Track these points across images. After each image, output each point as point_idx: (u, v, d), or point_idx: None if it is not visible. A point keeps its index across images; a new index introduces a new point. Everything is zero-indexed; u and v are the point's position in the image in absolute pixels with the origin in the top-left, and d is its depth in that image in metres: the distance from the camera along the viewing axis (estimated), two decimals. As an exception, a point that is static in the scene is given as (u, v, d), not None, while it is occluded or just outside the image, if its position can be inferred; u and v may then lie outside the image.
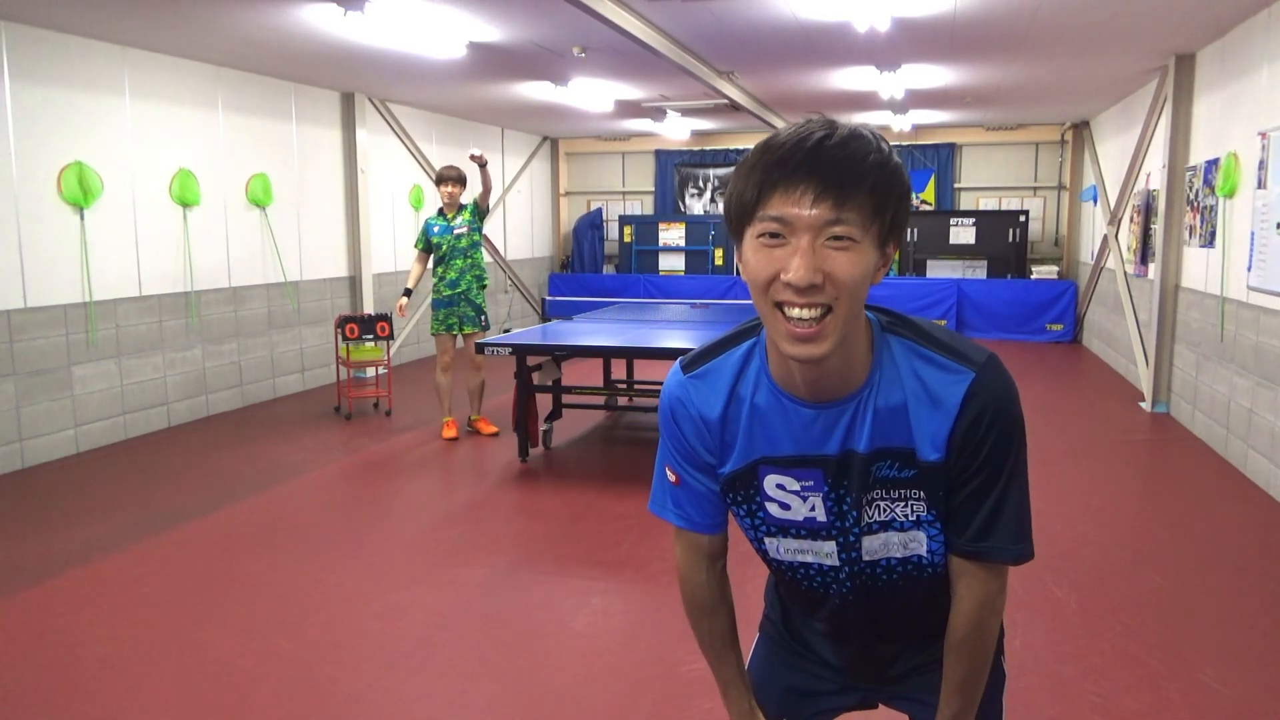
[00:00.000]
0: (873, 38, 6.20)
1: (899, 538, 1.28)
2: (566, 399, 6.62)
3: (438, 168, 10.08)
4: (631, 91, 8.77)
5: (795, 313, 1.10)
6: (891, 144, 1.14)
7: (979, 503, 1.23)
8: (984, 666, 1.33)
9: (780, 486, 1.28)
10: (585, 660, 3.29)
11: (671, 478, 1.38)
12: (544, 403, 6.30)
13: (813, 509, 1.28)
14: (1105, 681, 3.07)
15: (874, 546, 1.29)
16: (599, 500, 5.07)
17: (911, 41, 6.43)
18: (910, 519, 1.26)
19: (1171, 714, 2.89)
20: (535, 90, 8.53)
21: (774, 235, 1.09)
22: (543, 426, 6.14)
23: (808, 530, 1.31)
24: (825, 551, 1.31)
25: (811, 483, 1.26)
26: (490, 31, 6.10)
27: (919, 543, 1.28)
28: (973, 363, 1.19)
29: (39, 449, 5.88)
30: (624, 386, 7.42)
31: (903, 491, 1.24)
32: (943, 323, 11.10)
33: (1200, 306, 6.41)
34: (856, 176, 1.07)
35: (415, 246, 6.66)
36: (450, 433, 6.50)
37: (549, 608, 3.71)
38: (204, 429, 6.85)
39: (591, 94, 8.67)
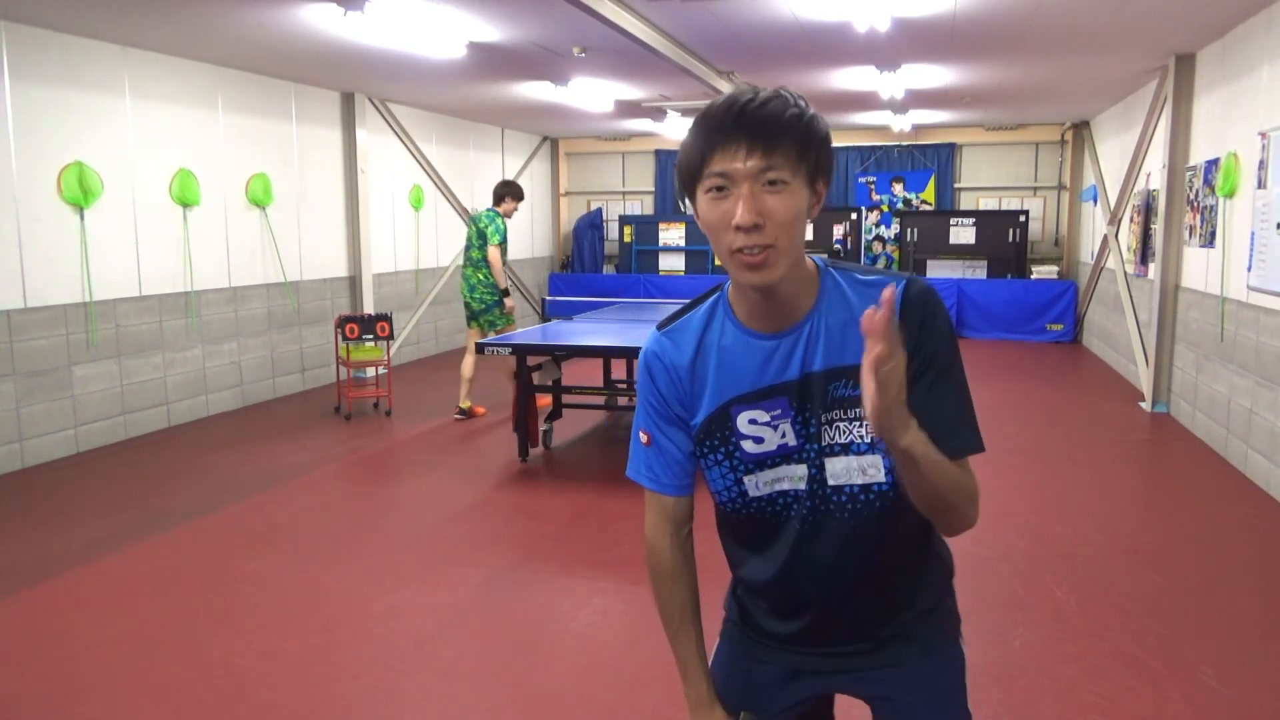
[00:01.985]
0: (873, 38, 6.19)
1: (858, 462, 1.37)
2: (566, 399, 6.63)
3: (443, 169, 10.16)
4: (631, 91, 8.77)
5: (744, 245, 1.26)
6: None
7: (940, 400, 1.33)
8: (946, 476, 1.28)
9: (752, 421, 1.39)
10: (585, 660, 3.29)
11: (644, 439, 1.49)
12: (544, 402, 6.31)
13: (784, 435, 1.39)
14: (1105, 681, 3.07)
15: (837, 470, 1.38)
16: (599, 500, 5.07)
17: (911, 41, 6.43)
18: (866, 441, 1.36)
19: (1171, 714, 2.89)
20: (535, 90, 8.52)
21: (720, 189, 1.27)
22: (543, 426, 6.14)
23: (781, 456, 1.40)
24: (798, 475, 1.40)
25: (779, 410, 1.38)
26: (490, 31, 6.10)
27: (877, 469, 1.37)
28: (900, 277, 1.37)
29: (39, 449, 5.88)
30: (624, 386, 7.42)
31: (858, 410, 1.34)
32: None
33: (1200, 306, 6.41)
34: (779, 129, 1.25)
35: (501, 243, 6.94)
36: (481, 410, 7.24)
37: (549, 608, 3.71)
38: (204, 429, 6.85)
39: (591, 94, 8.66)
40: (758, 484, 1.43)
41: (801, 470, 1.40)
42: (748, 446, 1.41)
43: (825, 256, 1.44)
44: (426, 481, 5.62)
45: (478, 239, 6.97)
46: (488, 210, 7.06)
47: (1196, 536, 4.50)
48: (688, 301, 1.48)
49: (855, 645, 1.49)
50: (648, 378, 1.46)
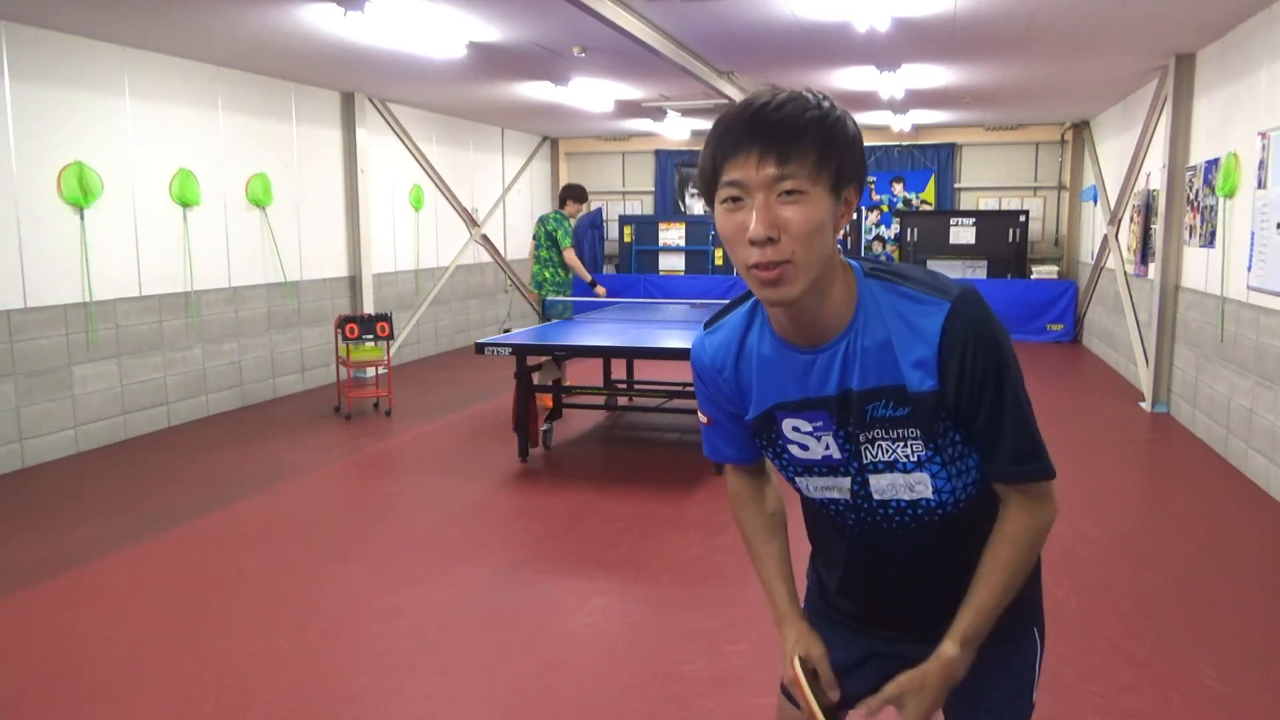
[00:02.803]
0: (873, 38, 6.19)
1: (904, 480, 1.34)
2: (566, 399, 6.62)
3: (443, 169, 10.16)
4: (631, 91, 8.77)
5: (759, 260, 1.20)
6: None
7: (997, 433, 1.30)
8: (1012, 589, 1.37)
9: (795, 429, 1.39)
10: (585, 660, 3.29)
11: (704, 419, 1.55)
12: (545, 402, 6.30)
13: (827, 448, 1.38)
14: (1105, 681, 3.07)
15: (882, 486, 1.36)
16: (599, 500, 5.07)
17: (911, 41, 6.43)
18: (912, 460, 1.33)
19: (1171, 714, 2.89)
20: (535, 90, 8.52)
21: (735, 199, 1.20)
22: (543, 426, 6.14)
23: (828, 467, 1.40)
24: (844, 487, 1.40)
25: (821, 423, 1.36)
26: (490, 31, 6.10)
27: (925, 485, 1.34)
28: (948, 294, 1.26)
29: (39, 449, 5.88)
30: (624, 386, 7.42)
31: (900, 431, 1.31)
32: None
33: (1200, 306, 6.41)
34: (796, 134, 1.17)
35: (573, 244, 7.48)
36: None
37: (549, 608, 3.71)
38: (204, 429, 6.85)
39: (591, 94, 8.66)
40: (809, 487, 1.44)
41: (846, 483, 1.39)
42: (794, 451, 1.41)
43: (866, 262, 1.36)
44: (427, 481, 5.62)
45: (546, 240, 7.46)
46: (555, 213, 7.52)
47: (1196, 537, 4.50)
48: (731, 300, 1.49)
49: (919, 646, 1.44)
50: (697, 376, 1.50)
